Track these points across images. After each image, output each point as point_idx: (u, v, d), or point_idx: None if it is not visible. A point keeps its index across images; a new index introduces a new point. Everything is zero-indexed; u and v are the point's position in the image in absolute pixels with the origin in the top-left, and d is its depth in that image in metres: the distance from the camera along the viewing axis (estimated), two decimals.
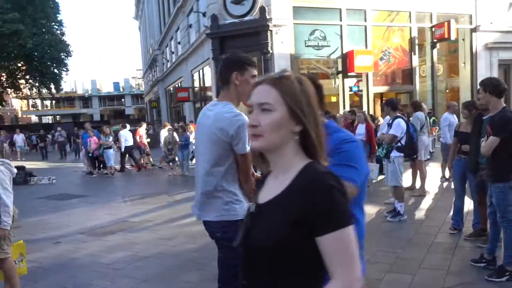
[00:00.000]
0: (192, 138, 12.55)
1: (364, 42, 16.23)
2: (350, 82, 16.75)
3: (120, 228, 6.53)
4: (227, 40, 15.88)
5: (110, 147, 13.56)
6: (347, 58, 15.72)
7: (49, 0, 33.42)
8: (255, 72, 2.50)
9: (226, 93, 2.47)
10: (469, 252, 4.69)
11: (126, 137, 13.91)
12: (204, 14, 17.21)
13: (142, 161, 14.86)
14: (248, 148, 2.31)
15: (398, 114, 6.20)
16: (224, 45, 15.91)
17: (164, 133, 13.68)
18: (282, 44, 15.02)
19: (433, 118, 13.85)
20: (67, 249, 5.54)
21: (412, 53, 17.09)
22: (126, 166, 14.79)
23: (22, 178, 11.99)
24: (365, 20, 16.20)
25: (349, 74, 15.99)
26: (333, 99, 17.79)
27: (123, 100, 68.85)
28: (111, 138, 13.56)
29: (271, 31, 14.84)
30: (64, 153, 22.07)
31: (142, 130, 15.03)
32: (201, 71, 20.31)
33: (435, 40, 17.21)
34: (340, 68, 16.36)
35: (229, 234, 2.22)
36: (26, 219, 7.43)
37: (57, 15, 35.96)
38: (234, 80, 2.41)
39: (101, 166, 14.33)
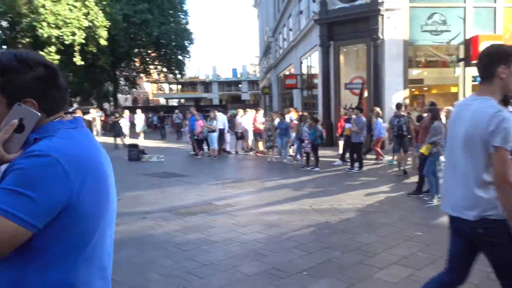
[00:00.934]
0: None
1: (492, 26, 14.31)
2: (473, 71, 14.94)
3: (202, 210, 6.73)
4: (335, 26, 15.38)
5: (213, 131, 14.14)
6: (470, 44, 14.02)
7: None
8: None
9: (487, 87, 2.34)
10: None
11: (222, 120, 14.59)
12: (314, 0, 16.83)
13: (256, 147, 15.20)
14: (509, 145, 2.18)
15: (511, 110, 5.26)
16: (332, 32, 15.45)
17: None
18: (395, 30, 14.00)
19: None
20: (149, 225, 5.88)
21: None
22: (234, 150, 15.39)
23: (136, 155, 13.19)
24: (495, 1, 14.24)
25: (472, 62, 14.25)
26: (453, 89, 16.13)
27: (240, 86, 71.69)
28: (214, 122, 14.12)
29: (382, 15, 13.90)
30: (180, 134, 23.76)
31: (259, 116, 15.28)
32: (309, 58, 20.02)
33: None
34: (461, 56, 14.70)
35: (493, 231, 2.30)
36: (126, 193, 8.12)
37: (183, 5, 38.68)
38: (500, 74, 2.27)
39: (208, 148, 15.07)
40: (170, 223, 5.98)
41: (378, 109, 12.11)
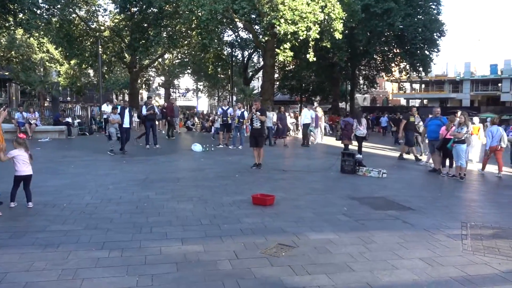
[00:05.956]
0: None
1: None
2: None
3: None
4: None
5: (463, 141, 9.95)
6: None
7: None
8: None
9: None
10: None
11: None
12: None
13: None
14: None
15: None
16: None
17: None
18: None
19: None
20: None
21: None
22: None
23: (350, 166, 10.33)
24: None
25: None
26: None
27: (499, 85, 59.54)
28: (464, 130, 9.89)
29: None
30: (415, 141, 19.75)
31: None
32: None
33: None
34: None
35: None
36: (310, 235, 5.31)
37: None
38: None
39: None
40: None
41: None
